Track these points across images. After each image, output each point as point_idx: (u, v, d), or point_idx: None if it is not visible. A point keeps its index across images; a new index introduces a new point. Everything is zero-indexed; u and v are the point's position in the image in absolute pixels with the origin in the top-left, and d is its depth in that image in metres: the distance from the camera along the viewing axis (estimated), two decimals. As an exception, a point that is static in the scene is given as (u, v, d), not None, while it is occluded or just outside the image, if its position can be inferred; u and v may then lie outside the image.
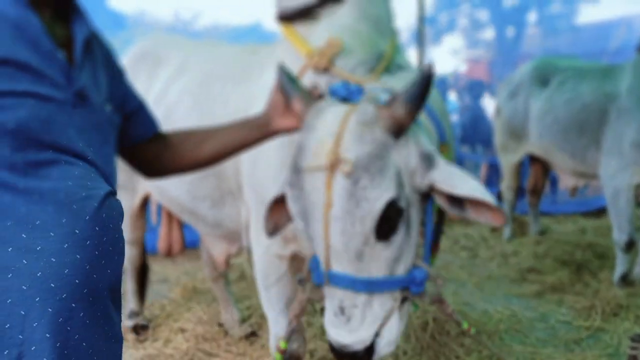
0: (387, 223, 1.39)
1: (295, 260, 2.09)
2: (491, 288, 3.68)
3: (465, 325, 1.67)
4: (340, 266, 1.43)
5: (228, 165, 2.19)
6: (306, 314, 3.18)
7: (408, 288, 1.51)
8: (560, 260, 4.02)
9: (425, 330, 2.82)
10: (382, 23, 2.03)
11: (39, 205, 0.92)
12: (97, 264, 0.98)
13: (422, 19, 5.69)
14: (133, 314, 3.04)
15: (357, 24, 1.90)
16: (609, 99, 3.45)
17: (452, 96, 8.11)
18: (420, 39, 5.76)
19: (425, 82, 1.35)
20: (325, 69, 1.77)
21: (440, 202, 1.48)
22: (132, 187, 2.72)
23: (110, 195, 1.03)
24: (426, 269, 1.52)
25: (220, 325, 3.04)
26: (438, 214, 1.80)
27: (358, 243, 1.39)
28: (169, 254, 2.68)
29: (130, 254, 2.87)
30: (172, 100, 2.40)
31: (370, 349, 1.45)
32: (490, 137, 5.03)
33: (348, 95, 1.47)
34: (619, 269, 3.52)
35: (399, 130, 1.40)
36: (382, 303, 1.47)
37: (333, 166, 1.36)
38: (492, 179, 5.58)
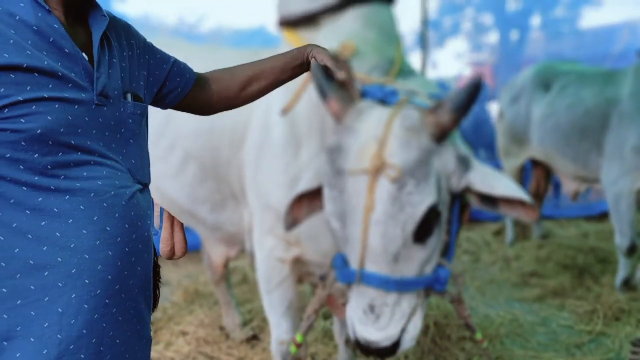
0: (426, 226, 1.42)
1: (298, 263, 2.10)
2: (493, 292, 3.68)
3: (479, 336, 1.68)
4: (376, 266, 1.45)
5: (230, 169, 2.20)
6: (308, 317, 3.19)
7: (432, 287, 1.54)
8: (562, 265, 4.02)
9: (426, 334, 2.82)
10: (387, 29, 2.05)
11: (70, 204, 0.94)
12: (127, 261, 1.00)
13: (425, 23, 5.70)
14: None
15: (364, 31, 1.92)
16: (610, 103, 3.45)
17: None
18: (423, 42, 5.76)
19: (474, 91, 1.39)
20: None
21: (473, 200, 1.52)
22: None
23: (138, 193, 1.05)
24: (450, 269, 1.54)
25: (222, 328, 3.05)
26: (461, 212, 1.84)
27: (397, 246, 1.41)
28: (171, 256, 2.67)
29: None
30: None
31: (395, 344, 1.48)
32: (494, 141, 5.03)
33: (384, 96, 1.50)
34: (621, 273, 3.51)
35: (442, 136, 1.43)
36: (409, 301, 1.50)
37: (378, 170, 1.37)
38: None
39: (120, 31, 1.13)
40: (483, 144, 6.45)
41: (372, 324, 1.47)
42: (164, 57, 1.23)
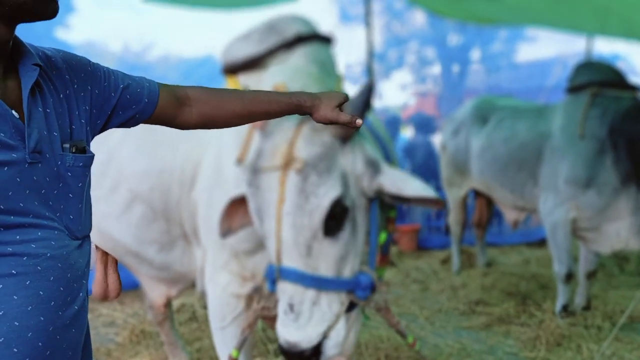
0: (334, 220, 1.52)
1: (252, 300, 2.09)
2: (441, 321, 3.75)
3: (410, 340, 1.75)
4: (291, 261, 1.52)
5: (181, 208, 2.19)
6: (260, 355, 3.14)
7: (354, 292, 1.59)
8: (506, 292, 4.15)
9: (377, 368, 2.83)
10: (328, 66, 2.19)
11: (1, 269, 0.90)
12: (60, 325, 0.96)
13: (371, 55, 5.87)
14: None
15: (308, 67, 2.04)
16: (543, 137, 3.64)
17: (406, 132, 8.28)
18: (369, 73, 5.92)
19: (367, 93, 1.53)
20: None
21: (387, 198, 1.64)
22: None
23: (75, 251, 1.00)
24: (371, 275, 1.61)
25: (169, 371, 2.95)
26: (387, 222, 1.92)
27: (307, 237, 1.50)
28: (104, 298, 2.57)
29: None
30: (114, 143, 2.36)
31: (317, 350, 1.52)
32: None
33: None
34: (560, 299, 3.66)
35: (345, 137, 1.57)
36: (329, 303, 1.55)
37: (287, 165, 1.51)
38: (440, 212, 5.74)
39: (56, 70, 1.05)
40: (433, 174, 6.61)
41: (291, 323, 1.52)
42: (112, 85, 1.13)
